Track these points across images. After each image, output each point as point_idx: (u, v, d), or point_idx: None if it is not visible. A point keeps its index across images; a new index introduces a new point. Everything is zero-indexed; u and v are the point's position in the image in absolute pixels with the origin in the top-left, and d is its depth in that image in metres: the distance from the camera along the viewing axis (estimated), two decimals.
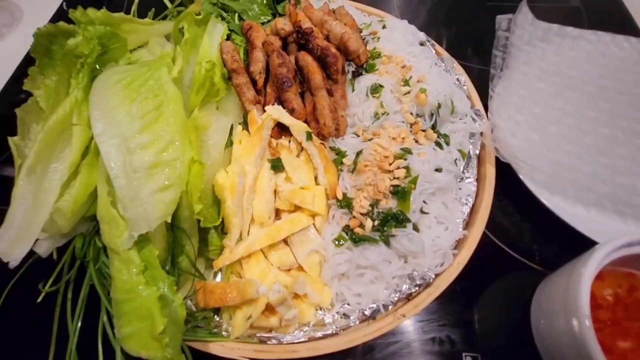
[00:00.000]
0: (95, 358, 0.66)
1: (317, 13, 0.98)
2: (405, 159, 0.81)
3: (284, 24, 0.93)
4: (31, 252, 0.70)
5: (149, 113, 0.68)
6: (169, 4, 1.14)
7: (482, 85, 1.08)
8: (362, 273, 0.75)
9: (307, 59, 0.90)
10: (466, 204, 0.86)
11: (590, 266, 0.65)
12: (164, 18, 1.17)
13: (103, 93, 0.69)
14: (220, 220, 0.72)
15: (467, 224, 0.85)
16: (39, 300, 0.68)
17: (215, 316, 0.74)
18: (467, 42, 1.35)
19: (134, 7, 1.09)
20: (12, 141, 0.77)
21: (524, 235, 0.91)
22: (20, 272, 0.72)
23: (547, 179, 0.90)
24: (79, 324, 0.69)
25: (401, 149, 0.82)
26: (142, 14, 1.14)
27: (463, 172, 0.91)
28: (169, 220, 0.65)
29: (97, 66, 0.84)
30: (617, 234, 0.81)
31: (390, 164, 0.80)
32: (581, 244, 0.81)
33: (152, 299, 0.59)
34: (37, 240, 0.70)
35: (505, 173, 0.92)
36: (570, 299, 0.65)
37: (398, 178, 0.79)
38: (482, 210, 0.85)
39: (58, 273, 0.72)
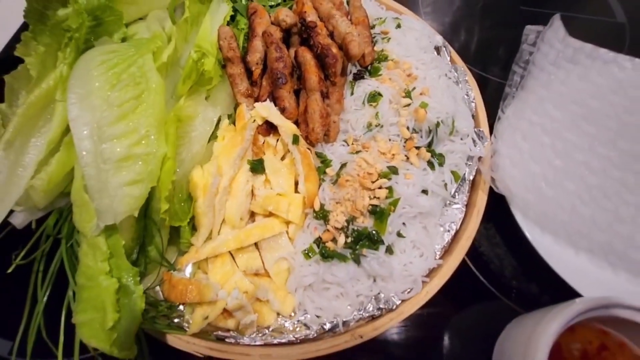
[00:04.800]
0: (58, 330, 0.68)
1: (326, 5, 0.91)
2: (389, 179, 0.77)
3: (286, 16, 0.87)
4: (8, 223, 0.72)
5: (127, 102, 0.66)
6: None
7: (496, 101, 1.01)
8: (327, 287, 0.75)
9: (306, 56, 0.85)
10: (448, 231, 0.83)
11: (558, 321, 0.63)
12: None
13: (84, 75, 0.67)
14: (190, 217, 0.72)
15: (446, 252, 0.82)
16: (9, 270, 0.70)
17: (181, 306, 0.76)
18: (491, 49, 1.26)
19: None
20: None
21: (505, 269, 0.88)
22: None
23: (540, 217, 0.85)
24: (48, 292, 0.71)
25: (388, 167, 0.79)
26: None
27: (453, 195, 0.87)
28: (136, 215, 0.64)
29: (92, 38, 0.81)
30: (602, 288, 0.78)
31: (373, 182, 0.77)
32: (563, 290, 0.78)
33: (110, 291, 0.60)
34: (13, 212, 0.72)
35: (498, 201, 0.88)
36: (531, 351, 0.63)
37: (378, 198, 0.76)
38: (464, 240, 0.81)
39: (33, 244, 0.74)
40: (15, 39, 1.18)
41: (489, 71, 1.19)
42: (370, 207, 0.75)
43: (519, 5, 1.31)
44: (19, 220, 0.73)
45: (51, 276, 0.71)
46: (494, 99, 1.02)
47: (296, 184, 0.82)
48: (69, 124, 0.64)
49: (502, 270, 0.88)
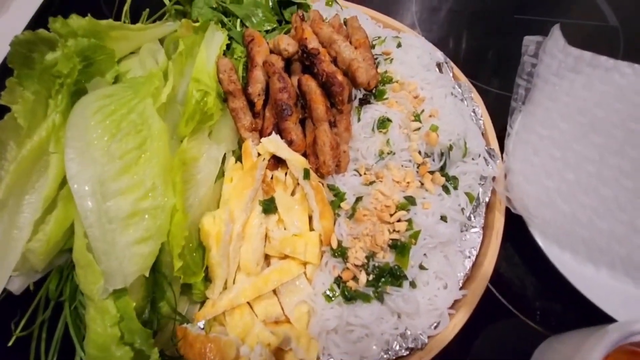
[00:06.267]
0: None
1: (326, 29, 0.89)
2: (408, 210, 0.74)
3: (287, 45, 0.84)
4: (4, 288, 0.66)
5: (129, 152, 0.62)
6: (166, 1, 1.04)
7: (499, 113, 1.00)
8: (351, 329, 0.71)
9: (310, 85, 0.82)
10: (469, 257, 0.80)
11: (597, 352, 0.61)
12: (162, 16, 1.07)
13: (80, 125, 0.63)
14: (204, 270, 0.67)
15: (468, 279, 0.80)
16: (10, 344, 0.64)
17: None
18: (489, 60, 1.25)
19: (126, 7, 0.99)
20: None
21: (527, 290, 0.87)
22: None
23: (558, 234, 0.83)
24: None
25: (405, 197, 0.76)
26: (136, 14, 1.05)
27: (469, 217, 0.84)
28: (147, 275, 0.60)
29: (83, 79, 0.77)
30: (627, 304, 0.77)
31: (391, 215, 0.74)
32: (587, 308, 0.77)
33: None
34: (9, 277, 0.66)
35: (515, 220, 0.86)
36: None
37: (398, 231, 0.73)
38: (486, 266, 0.79)
39: (33, 310, 0.69)
40: None
41: (489, 82, 1.18)
42: (391, 241, 0.73)
43: (512, 14, 1.31)
44: (16, 286, 0.67)
45: (56, 344, 0.66)
46: (495, 110, 1.00)
47: (310, 218, 0.78)
48: (68, 182, 0.59)
49: (524, 291, 0.86)
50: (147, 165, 0.62)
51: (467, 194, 0.85)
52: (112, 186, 0.59)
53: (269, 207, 0.74)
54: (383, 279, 0.72)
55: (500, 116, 1.00)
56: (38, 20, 1.28)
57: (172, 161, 0.66)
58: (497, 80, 1.19)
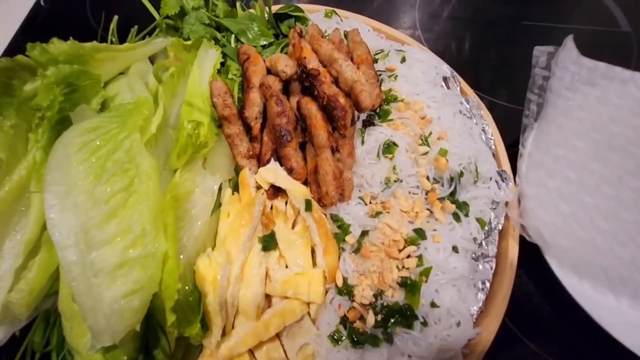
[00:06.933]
0: None
1: (326, 47, 0.83)
2: (417, 245, 0.70)
3: (285, 66, 0.79)
4: None
5: (116, 195, 0.57)
6: (156, 15, 0.98)
7: (507, 126, 0.95)
8: None
9: (311, 109, 0.77)
10: (482, 289, 0.76)
11: None
12: (152, 31, 1.02)
13: (62, 165, 0.58)
14: (200, 317, 0.63)
15: (482, 312, 0.75)
16: None
17: None
18: (496, 70, 1.20)
19: (112, 25, 0.93)
20: None
21: (544, 322, 0.82)
22: None
23: (576, 263, 0.79)
24: None
25: (414, 230, 0.71)
26: (125, 27, 0.99)
27: (480, 244, 0.80)
28: (138, 329, 0.55)
29: (67, 106, 0.71)
30: None
31: (400, 250, 0.69)
32: (609, 342, 0.72)
33: None
34: None
35: (529, 246, 0.81)
36: None
37: (408, 268, 0.68)
38: (500, 299, 0.75)
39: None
40: None
41: (494, 94, 1.13)
42: (400, 279, 0.68)
43: (520, 21, 1.25)
44: None
45: None
46: (503, 123, 0.95)
47: (313, 250, 0.74)
48: (49, 231, 0.54)
49: (541, 323, 0.82)
50: (136, 208, 0.57)
51: (478, 219, 0.80)
52: (98, 235, 0.54)
53: (269, 244, 0.70)
54: (392, 320, 0.67)
55: (509, 130, 0.95)
56: (24, 34, 1.22)
57: (163, 200, 0.61)
58: (505, 92, 1.13)
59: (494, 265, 0.78)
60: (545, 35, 1.24)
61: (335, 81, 0.81)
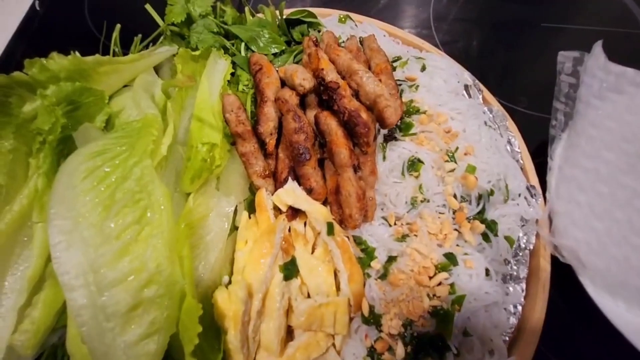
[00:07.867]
0: None
1: (344, 57, 0.78)
2: (449, 271, 0.65)
3: (303, 80, 0.74)
4: None
5: (127, 229, 0.52)
6: (160, 22, 0.92)
7: (530, 135, 0.90)
8: None
9: (330, 125, 0.72)
10: (514, 313, 0.72)
11: None
12: (156, 38, 0.96)
13: (67, 195, 0.53)
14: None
15: (515, 339, 0.71)
16: None
17: None
18: (516, 75, 1.15)
19: (115, 34, 0.87)
20: None
21: (577, 344, 0.78)
22: None
23: (610, 283, 0.75)
24: None
25: (445, 255, 0.67)
26: (127, 35, 0.93)
27: (510, 264, 0.75)
28: None
29: (69, 125, 0.66)
30: None
31: (430, 277, 0.65)
32: None
33: None
34: None
35: (560, 265, 0.77)
36: None
37: (439, 297, 0.64)
38: (534, 325, 0.71)
39: None
40: None
41: (516, 101, 1.08)
42: (431, 308, 0.64)
43: (539, 23, 1.20)
44: None
45: None
46: (525, 131, 0.90)
47: (335, 274, 0.69)
48: (55, 270, 0.49)
49: (578, 350, 0.78)
50: (149, 242, 0.52)
51: (506, 237, 0.76)
52: (109, 274, 0.49)
53: (291, 272, 0.65)
54: (423, 352, 0.63)
55: (531, 138, 0.91)
56: (20, 38, 1.16)
57: (177, 230, 0.56)
58: (525, 98, 1.09)
59: (524, 287, 0.74)
60: (565, 37, 1.19)
61: (356, 94, 0.76)
